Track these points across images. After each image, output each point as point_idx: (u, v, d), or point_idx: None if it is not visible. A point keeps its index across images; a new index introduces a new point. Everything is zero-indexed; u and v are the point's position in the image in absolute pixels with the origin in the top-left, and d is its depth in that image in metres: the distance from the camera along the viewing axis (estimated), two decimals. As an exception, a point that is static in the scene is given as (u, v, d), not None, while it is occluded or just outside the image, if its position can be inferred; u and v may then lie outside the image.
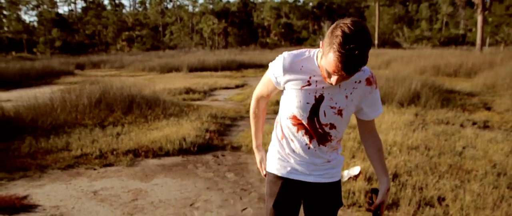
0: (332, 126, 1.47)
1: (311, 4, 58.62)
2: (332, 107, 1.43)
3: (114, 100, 6.60)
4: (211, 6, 53.70)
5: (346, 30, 1.16)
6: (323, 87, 1.40)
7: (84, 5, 62.89)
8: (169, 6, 66.56)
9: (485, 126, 5.91)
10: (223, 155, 4.60)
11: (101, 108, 6.44)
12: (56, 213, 3.03)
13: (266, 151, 1.76)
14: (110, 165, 4.22)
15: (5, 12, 50.49)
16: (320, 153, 1.52)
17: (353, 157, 4.14)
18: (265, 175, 1.73)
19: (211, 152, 4.71)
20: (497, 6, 32.12)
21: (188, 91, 10.06)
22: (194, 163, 4.31)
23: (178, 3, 66.27)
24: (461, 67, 13.63)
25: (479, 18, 24.47)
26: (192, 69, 17.66)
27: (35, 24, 53.80)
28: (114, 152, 4.51)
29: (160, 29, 60.15)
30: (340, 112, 1.44)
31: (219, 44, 51.42)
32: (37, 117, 5.76)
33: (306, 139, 1.49)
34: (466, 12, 47.87)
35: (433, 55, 17.28)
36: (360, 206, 3.04)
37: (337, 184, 1.62)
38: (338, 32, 1.17)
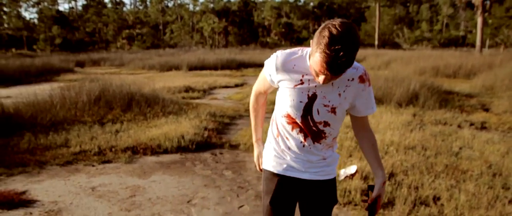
0: (326, 124, 1.49)
1: (311, 4, 58.62)
2: (325, 105, 1.44)
3: (113, 97, 6.62)
4: (211, 5, 53.68)
5: (333, 31, 1.18)
6: (315, 86, 1.42)
7: (84, 2, 63.01)
8: (170, 4, 66.58)
9: (483, 127, 5.94)
10: (221, 153, 4.63)
11: (101, 105, 6.46)
12: (55, 208, 3.06)
13: (265, 146, 1.79)
14: (109, 161, 4.25)
15: (5, 9, 50.43)
16: (315, 150, 1.53)
17: (350, 156, 4.16)
18: (261, 170, 1.75)
19: (209, 150, 4.73)
20: (497, 8, 32.15)
21: (188, 89, 10.09)
22: (192, 160, 4.34)
23: (179, 1, 66.31)
24: (461, 69, 13.66)
25: (479, 20, 24.52)
26: (192, 67, 17.69)
27: (36, 21, 53.86)
28: (113, 149, 4.53)
29: (161, 27, 60.11)
30: (333, 110, 1.46)
31: (220, 43, 51.43)
32: (36, 114, 5.78)
33: (301, 137, 1.51)
34: (467, 13, 47.92)
35: (432, 56, 17.31)
36: (356, 205, 3.06)
37: (332, 181, 1.64)
38: (326, 33, 1.19)
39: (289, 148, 1.55)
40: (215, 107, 7.44)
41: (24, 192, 3.34)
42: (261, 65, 1.58)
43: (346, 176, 3.51)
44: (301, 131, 1.50)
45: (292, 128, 1.51)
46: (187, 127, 5.34)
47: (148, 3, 69.74)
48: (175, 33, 57.50)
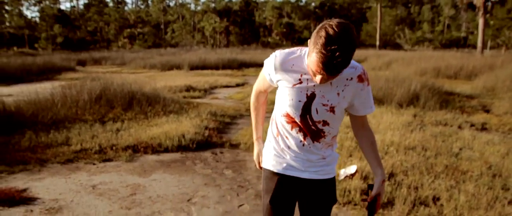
0: (325, 123, 1.49)
1: (313, 4, 58.62)
2: (324, 105, 1.45)
3: (114, 96, 6.64)
4: (213, 5, 53.73)
5: (330, 31, 1.18)
6: (314, 85, 1.42)
7: (86, 1, 63.03)
8: (171, 4, 66.72)
9: (483, 128, 5.94)
10: (221, 152, 4.64)
11: (102, 104, 6.48)
12: (55, 206, 3.07)
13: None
14: (109, 160, 4.26)
15: (7, 8, 50.56)
16: (315, 149, 1.54)
17: (350, 156, 4.17)
18: (260, 168, 1.76)
19: (209, 149, 4.74)
20: (499, 10, 32.07)
21: (189, 89, 10.10)
22: (193, 159, 4.35)
23: (180, 1, 66.42)
24: (462, 70, 13.64)
25: (481, 21, 24.50)
26: (193, 67, 17.71)
27: (37, 19, 53.89)
28: (114, 148, 4.55)
29: (162, 26, 60.17)
30: (332, 109, 1.46)
31: (221, 43, 51.46)
32: (37, 112, 5.80)
33: (300, 136, 1.52)
34: (468, 15, 47.79)
35: (434, 57, 17.31)
36: (355, 204, 3.07)
37: (332, 181, 1.64)
38: (322, 33, 1.19)
39: (288, 147, 1.56)
40: (216, 106, 7.45)
41: (25, 190, 3.36)
42: (262, 65, 1.59)
43: (346, 176, 3.51)
44: (300, 130, 1.51)
45: (292, 127, 1.52)
46: (188, 126, 5.35)
47: (149, 2, 69.89)
48: (177, 32, 57.53)
